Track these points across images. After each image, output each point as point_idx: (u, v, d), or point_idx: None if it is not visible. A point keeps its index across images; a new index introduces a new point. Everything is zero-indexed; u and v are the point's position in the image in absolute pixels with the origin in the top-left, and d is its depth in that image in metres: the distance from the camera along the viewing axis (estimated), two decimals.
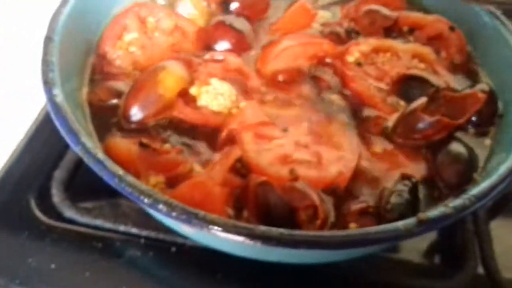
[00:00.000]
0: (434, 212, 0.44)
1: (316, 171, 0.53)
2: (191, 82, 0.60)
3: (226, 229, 0.41)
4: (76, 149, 0.45)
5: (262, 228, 0.41)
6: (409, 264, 0.62)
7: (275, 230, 0.41)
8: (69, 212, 0.62)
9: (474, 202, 0.45)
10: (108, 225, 0.61)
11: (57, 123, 0.47)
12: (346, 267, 0.58)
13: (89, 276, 0.57)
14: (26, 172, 0.67)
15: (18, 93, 0.77)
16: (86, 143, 0.45)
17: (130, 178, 0.43)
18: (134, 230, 0.61)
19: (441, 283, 0.60)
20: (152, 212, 0.42)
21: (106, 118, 0.58)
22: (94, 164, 0.44)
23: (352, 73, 0.64)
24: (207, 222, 0.41)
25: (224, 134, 0.57)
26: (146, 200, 0.42)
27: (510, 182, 0.48)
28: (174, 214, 0.41)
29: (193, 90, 0.60)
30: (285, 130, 0.58)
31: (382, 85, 0.65)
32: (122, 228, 0.61)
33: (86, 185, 0.66)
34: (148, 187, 0.43)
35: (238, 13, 0.71)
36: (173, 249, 0.60)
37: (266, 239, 0.40)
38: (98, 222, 0.62)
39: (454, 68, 0.69)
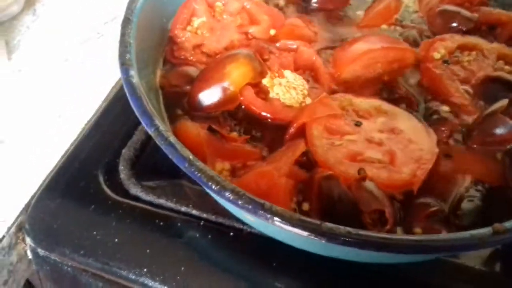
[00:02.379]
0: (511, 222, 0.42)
1: (388, 172, 0.51)
2: (262, 73, 0.59)
3: (292, 222, 0.40)
4: (149, 130, 0.46)
5: (329, 225, 0.40)
6: (469, 270, 0.58)
7: (342, 229, 0.40)
8: (134, 189, 0.64)
9: None
10: (170, 204, 0.62)
11: (132, 104, 0.48)
12: (404, 268, 0.56)
13: (150, 253, 0.58)
14: (95, 148, 0.69)
15: (92, 72, 0.80)
16: (159, 126, 0.46)
17: (200, 163, 0.44)
18: (194, 212, 0.62)
19: None
20: (218, 198, 0.43)
21: (177, 103, 0.59)
22: (166, 147, 0.44)
23: (439, 71, 0.62)
24: (273, 214, 0.41)
25: (293, 128, 0.56)
26: (214, 187, 0.42)
27: None
28: (240, 202, 0.41)
29: (265, 81, 0.60)
30: (358, 124, 0.56)
31: (468, 87, 0.61)
32: (183, 208, 0.62)
33: (151, 165, 0.68)
34: (215, 173, 0.43)
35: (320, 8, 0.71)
36: (231, 233, 0.60)
37: (332, 237, 0.40)
38: (161, 201, 0.63)
39: None
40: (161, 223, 0.61)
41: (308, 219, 0.41)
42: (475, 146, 0.56)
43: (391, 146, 0.54)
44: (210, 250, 0.60)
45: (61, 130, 0.72)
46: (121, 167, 0.66)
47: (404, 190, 0.51)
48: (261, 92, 0.59)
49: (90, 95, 0.76)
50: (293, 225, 0.40)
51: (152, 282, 0.57)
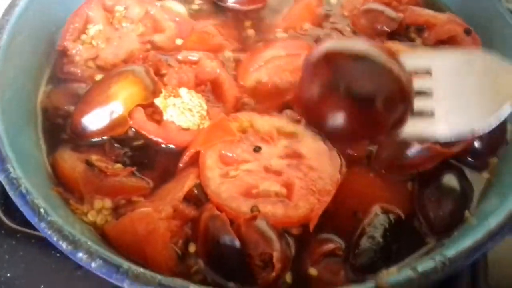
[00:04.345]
0: (397, 276, 0.38)
1: (283, 208, 0.47)
2: (155, 92, 0.53)
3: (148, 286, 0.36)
4: (0, 176, 0.41)
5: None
6: None
7: None
8: None
9: (447, 266, 0.38)
10: None
11: None
12: None
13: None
14: None
15: None
16: (11, 171, 0.41)
17: (53, 218, 0.39)
18: None
19: None
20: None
21: (61, 127, 0.53)
22: (15, 197, 0.40)
23: None
24: (131, 278, 0.36)
25: (187, 156, 0.51)
26: (65, 246, 0.38)
27: (496, 242, 0.41)
28: (93, 265, 0.37)
29: (158, 102, 0.54)
30: (257, 150, 0.51)
31: None
32: None
33: None
34: (70, 229, 0.39)
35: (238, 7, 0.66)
36: None
37: None
38: None
39: None
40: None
41: (172, 281, 0.36)
42: (384, 169, 0.52)
43: (290, 176, 0.49)
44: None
45: None
46: None
47: (300, 226, 0.47)
48: (156, 113, 0.54)
49: None
50: None
51: None
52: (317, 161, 0.50)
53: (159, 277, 0.37)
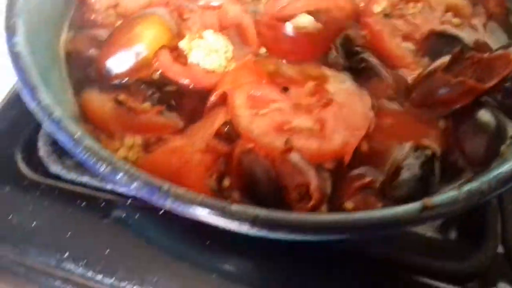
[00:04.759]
0: (442, 197, 0.37)
1: (317, 142, 0.46)
2: (179, 34, 0.53)
3: (193, 206, 0.35)
4: (31, 105, 0.40)
5: (234, 207, 0.35)
6: (421, 238, 0.55)
7: (251, 211, 0.35)
8: (54, 167, 0.59)
9: (494, 188, 0.38)
10: (94, 183, 0.57)
11: (16, 74, 0.42)
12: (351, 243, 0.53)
13: (71, 236, 0.54)
14: (12, 124, 0.63)
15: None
16: (41, 100, 0.40)
17: (89, 142, 0.38)
18: (121, 189, 0.56)
19: (455, 261, 0.53)
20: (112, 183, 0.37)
21: (85, 72, 0.53)
22: (47, 124, 0.39)
23: (379, 27, 0.55)
24: (172, 197, 0.36)
25: (214, 96, 0.50)
26: (102, 169, 0.37)
27: None
28: (134, 185, 0.36)
29: (183, 44, 0.53)
30: (285, 89, 0.51)
31: (411, 44, 0.56)
32: (109, 186, 0.57)
33: None
34: (109, 153, 0.38)
35: None
36: (161, 211, 0.55)
37: (239, 221, 0.35)
38: (84, 179, 0.57)
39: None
40: (84, 203, 0.56)
41: (211, 201, 0.36)
42: (414, 108, 0.51)
43: (321, 112, 0.49)
44: (138, 230, 0.55)
45: None
46: (40, 144, 0.61)
47: (335, 160, 0.46)
48: (181, 57, 0.53)
49: (4, 71, 0.69)
50: (195, 210, 0.35)
51: (75, 267, 0.53)
52: (348, 99, 0.50)
53: (201, 196, 0.36)
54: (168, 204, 0.35)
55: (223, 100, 0.50)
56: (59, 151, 0.60)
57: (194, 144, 0.44)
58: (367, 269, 0.52)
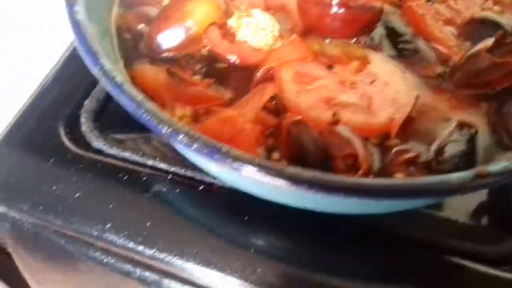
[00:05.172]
0: (496, 166, 0.38)
1: (364, 116, 0.47)
2: (228, 12, 0.54)
3: (252, 166, 0.36)
4: (93, 70, 0.41)
5: (293, 169, 0.36)
6: (453, 223, 0.56)
7: (307, 173, 0.36)
8: (97, 142, 0.60)
9: None
10: (136, 158, 0.59)
11: (76, 42, 0.43)
12: (384, 221, 0.54)
13: (113, 208, 0.55)
14: (55, 99, 0.65)
15: (51, 21, 0.74)
16: (105, 64, 0.41)
17: (150, 105, 0.39)
18: (162, 165, 0.58)
19: (487, 246, 0.54)
20: (172, 143, 0.38)
21: (135, 45, 0.54)
22: (111, 87, 0.40)
23: (422, 11, 0.56)
24: (231, 158, 0.37)
25: (261, 72, 0.51)
26: (165, 130, 0.38)
27: None
28: (194, 146, 0.37)
29: (232, 22, 0.54)
30: (330, 67, 0.52)
31: (453, 28, 0.57)
32: (150, 162, 0.58)
33: (116, 117, 0.64)
34: (168, 116, 0.39)
35: None
36: (201, 187, 0.57)
37: (296, 181, 0.36)
38: (126, 154, 0.59)
39: None
40: (125, 177, 0.58)
41: (270, 163, 0.37)
42: (458, 88, 0.51)
43: (366, 90, 0.50)
44: (178, 204, 0.57)
45: (20, 82, 0.67)
46: (83, 119, 0.62)
47: (380, 135, 0.47)
48: (228, 34, 0.54)
49: (50, 45, 0.71)
50: (255, 170, 0.36)
51: (117, 238, 0.54)
52: (391, 79, 0.51)
53: (259, 158, 0.37)
54: (228, 164, 0.36)
55: (269, 76, 0.51)
56: (101, 127, 0.62)
57: (246, 115, 0.46)
58: (402, 250, 0.53)
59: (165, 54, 0.53)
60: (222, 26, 0.54)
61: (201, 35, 0.52)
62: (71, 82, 0.67)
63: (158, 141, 0.61)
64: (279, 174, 0.36)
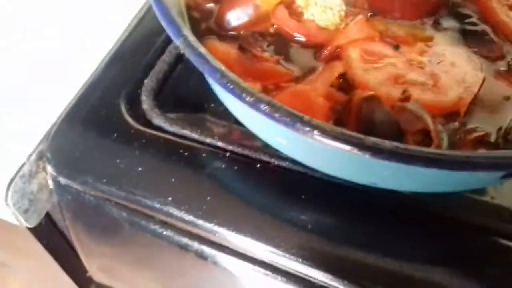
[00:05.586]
0: None
1: (433, 94, 0.48)
2: None
3: (334, 136, 0.37)
4: (177, 41, 0.43)
5: (373, 139, 0.37)
6: (503, 209, 0.55)
7: (388, 143, 0.37)
8: (157, 120, 0.62)
9: None
10: (195, 136, 0.60)
11: (158, 14, 0.45)
12: (436, 204, 0.54)
13: (174, 182, 0.56)
14: (116, 77, 0.67)
15: (110, 1, 0.76)
16: (188, 36, 0.42)
17: (232, 75, 0.40)
18: (220, 144, 0.59)
19: None
20: (252, 113, 0.39)
21: (204, 23, 0.56)
22: (196, 58, 0.41)
23: (494, 4, 0.57)
24: (313, 127, 0.38)
25: (328, 49, 0.53)
26: (248, 98, 0.39)
27: None
28: (277, 115, 0.38)
29: (300, 1, 0.56)
30: (396, 47, 0.53)
31: None
32: (208, 140, 0.60)
33: (173, 97, 0.66)
34: (249, 85, 0.40)
35: None
36: (258, 165, 0.58)
37: (378, 151, 0.37)
38: (185, 132, 0.60)
39: None
40: (186, 154, 0.59)
41: (351, 133, 0.38)
42: None
43: (434, 69, 0.50)
44: (236, 181, 0.58)
45: (82, 59, 0.69)
46: (143, 97, 0.64)
47: (448, 114, 0.48)
48: (294, 14, 0.55)
49: (111, 24, 0.73)
50: (335, 139, 0.37)
51: (177, 212, 0.55)
52: (457, 60, 0.51)
53: (339, 129, 0.38)
54: (310, 132, 0.37)
55: (336, 55, 0.52)
56: (161, 106, 0.64)
57: (317, 89, 0.47)
58: (455, 232, 0.53)
59: (234, 32, 0.54)
60: (290, 5, 0.55)
61: (269, 14, 0.54)
62: (131, 61, 0.68)
63: (213, 122, 0.62)
64: (361, 143, 0.37)
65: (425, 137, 0.44)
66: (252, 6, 0.53)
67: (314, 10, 0.54)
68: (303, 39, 0.54)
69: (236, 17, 0.53)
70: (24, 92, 0.66)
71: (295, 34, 0.54)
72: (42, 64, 0.69)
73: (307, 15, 0.55)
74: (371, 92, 0.46)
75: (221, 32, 0.55)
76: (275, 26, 0.55)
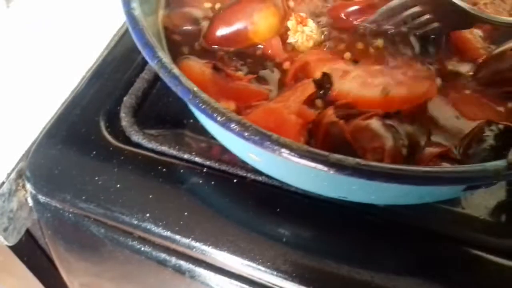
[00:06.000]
0: None
1: (406, 88, 0.51)
2: (286, 15, 0.59)
3: (300, 153, 0.39)
4: (152, 63, 0.44)
5: (337, 156, 0.39)
6: (473, 219, 0.58)
7: (351, 159, 0.38)
8: (136, 137, 0.63)
9: None
10: (173, 152, 0.61)
11: (134, 37, 0.46)
12: (407, 215, 0.56)
13: (152, 198, 0.57)
14: (96, 95, 0.68)
15: (90, 19, 0.78)
16: (162, 58, 0.44)
17: (204, 95, 0.42)
18: (197, 159, 0.61)
19: (508, 241, 0.56)
20: (222, 132, 0.41)
21: (179, 44, 0.57)
22: (169, 79, 0.43)
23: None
24: (280, 145, 0.39)
25: (296, 65, 0.55)
26: (219, 118, 0.41)
27: None
28: (246, 134, 0.40)
29: (290, 25, 0.58)
30: (355, 62, 0.56)
31: (480, 31, 0.60)
32: (186, 156, 0.61)
33: (152, 113, 0.67)
34: (220, 105, 0.42)
35: None
36: (235, 180, 0.59)
37: (341, 167, 0.38)
38: (164, 148, 0.62)
39: None
40: (164, 170, 0.60)
41: (316, 150, 0.39)
42: (482, 86, 0.54)
43: (394, 76, 0.53)
44: (213, 196, 0.59)
45: (62, 77, 0.70)
46: (122, 115, 0.65)
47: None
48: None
49: (91, 42, 0.74)
50: (301, 157, 0.39)
51: (155, 227, 0.56)
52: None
53: (305, 146, 0.40)
54: (277, 150, 0.39)
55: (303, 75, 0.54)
56: (140, 122, 0.65)
57: (290, 107, 0.49)
58: (427, 242, 0.55)
59: (222, 47, 0.57)
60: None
61: (259, 35, 0.56)
62: (110, 78, 0.70)
63: (191, 138, 0.64)
64: (325, 160, 0.39)
65: (383, 155, 0.46)
66: (243, 33, 0.56)
67: (300, 37, 0.57)
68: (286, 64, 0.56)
69: (226, 37, 0.56)
70: (2, 111, 0.67)
71: (280, 59, 0.57)
72: (21, 82, 0.70)
73: (290, 39, 0.58)
74: (335, 119, 0.48)
75: (205, 45, 0.57)
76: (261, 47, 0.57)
